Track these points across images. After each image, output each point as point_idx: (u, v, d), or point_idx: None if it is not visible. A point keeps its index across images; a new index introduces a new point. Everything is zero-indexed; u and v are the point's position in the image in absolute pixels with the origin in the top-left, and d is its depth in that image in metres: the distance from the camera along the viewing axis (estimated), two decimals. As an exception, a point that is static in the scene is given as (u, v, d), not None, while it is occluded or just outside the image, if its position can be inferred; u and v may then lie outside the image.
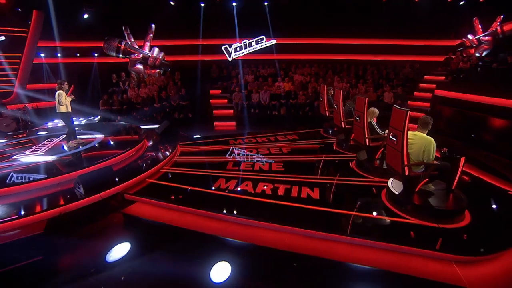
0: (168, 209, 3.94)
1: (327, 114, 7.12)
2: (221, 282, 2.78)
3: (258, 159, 5.48)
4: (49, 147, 5.65)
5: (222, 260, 3.03)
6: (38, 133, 7.15)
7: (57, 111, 5.34)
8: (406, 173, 3.24)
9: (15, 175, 4.15)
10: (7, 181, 4.00)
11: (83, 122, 9.44)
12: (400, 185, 3.58)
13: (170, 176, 4.88)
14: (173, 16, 11.40)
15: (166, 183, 4.58)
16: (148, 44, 11.37)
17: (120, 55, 10.85)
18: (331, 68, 11.71)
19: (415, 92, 10.22)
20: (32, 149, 5.53)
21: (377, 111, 4.58)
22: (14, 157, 5.05)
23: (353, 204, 3.70)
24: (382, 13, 10.73)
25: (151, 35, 11.30)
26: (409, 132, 3.26)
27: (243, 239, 3.27)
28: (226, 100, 10.84)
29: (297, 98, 10.24)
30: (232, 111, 10.43)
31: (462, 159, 3.26)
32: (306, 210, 3.61)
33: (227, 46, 11.65)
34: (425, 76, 10.75)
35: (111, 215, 3.94)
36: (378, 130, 4.41)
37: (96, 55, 11.77)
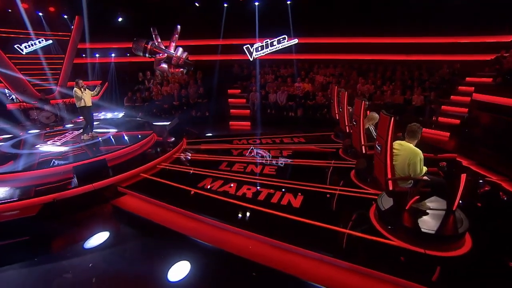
0: (152, 204, 4.06)
1: (337, 118, 6.70)
2: (176, 281, 2.78)
3: (254, 160, 5.37)
4: (67, 139, 6.26)
5: (185, 260, 3.03)
6: (66, 126, 7.96)
7: (76, 106, 5.89)
8: (391, 188, 2.86)
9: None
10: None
11: (107, 116, 10.27)
12: (390, 201, 3.19)
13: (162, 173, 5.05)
14: (197, 17, 11.78)
15: (158, 179, 4.74)
16: (173, 44, 11.90)
17: (147, 55, 11.54)
18: (356, 69, 11.01)
19: (452, 96, 9.09)
20: (53, 139, 6.18)
21: (377, 116, 4.14)
22: (37, 145, 5.69)
23: (334, 217, 3.40)
24: (417, 6, 9.71)
25: (176, 35, 11.80)
26: (396, 142, 2.88)
27: (210, 241, 3.22)
28: (244, 100, 10.89)
29: (316, 99, 9.85)
30: (248, 111, 10.45)
31: (463, 176, 2.76)
32: (281, 218, 3.42)
33: (248, 45, 11.67)
34: (467, 78, 9.49)
35: (102, 205, 4.20)
36: (376, 136, 3.98)
37: (128, 54, 12.69)
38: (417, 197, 2.90)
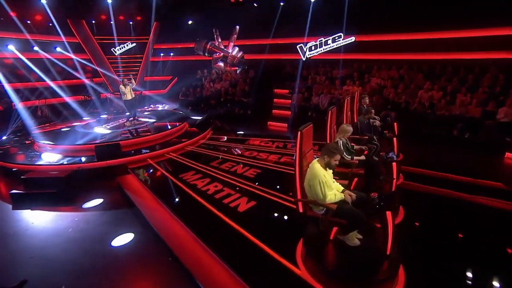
0: (140, 186, 4.93)
1: None
2: (118, 246, 3.47)
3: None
4: (115, 124, 8.04)
5: (131, 232, 3.71)
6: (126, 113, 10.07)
7: (122, 99, 7.52)
8: (301, 210, 2.65)
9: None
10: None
11: (159, 108, 12.13)
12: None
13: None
14: (254, 17, 12.39)
15: (158, 167, 5.63)
16: (232, 44, 13.08)
17: (206, 54, 13.11)
18: (425, 71, 9.32)
19: None
20: (106, 124, 8.08)
21: (349, 129, 3.67)
22: (94, 127, 7.60)
23: (266, 230, 3.35)
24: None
25: (235, 35, 12.93)
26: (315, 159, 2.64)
27: (156, 224, 3.74)
28: (290, 101, 10.90)
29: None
30: (290, 112, 10.45)
31: (388, 213, 2.29)
32: (214, 216, 3.69)
33: (302, 45, 11.56)
34: None
35: (112, 179, 5.35)
36: (344, 154, 3.54)
37: (171, 54, 14.57)
38: (336, 228, 2.59)
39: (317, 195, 2.46)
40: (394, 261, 2.51)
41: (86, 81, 11.51)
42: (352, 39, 10.51)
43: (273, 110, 10.95)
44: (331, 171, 2.68)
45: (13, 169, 5.60)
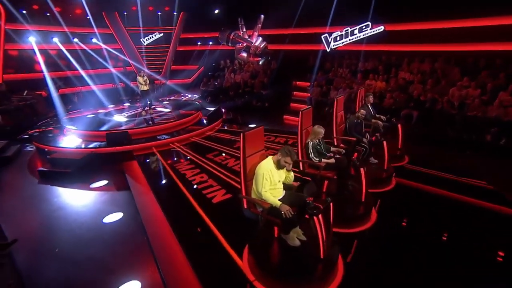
0: (139, 171, 5.61)
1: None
2: (108, 222, 4.15)
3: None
4: (132, 112, 8.95)
5: (121, 212, 4.36)
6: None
7: (139, 89, 8.33)
8: (245, 206, 2.92)
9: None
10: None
11: (177, 98, 12.96)
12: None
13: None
14: (279, 5, 12.35)
15: (159, 155, 6.28)
16: (256, 33, 13.22)
17: (229, 44, 13.47)
18: (463, 65, 8.49)
19: None
20: (124, 113, 9.05)
21: (321, 131, 3.72)
22: (115, 115, 8.59)
23: (229, 223, 3.70)
24: None
25: (259, 25, 13.00)
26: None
27: (141, 207, 4.33)
28: (309, 94, 10.87)
29: (383, 101, 8.60)
30: (307, 106, 10.42)
31: (315, 219, 2.45)
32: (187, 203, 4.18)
33: (327, 35, 11.28)
34: None
35: (119, 163, 6.14)
36: (311, 155, 3.64)
37: (210, 43, 15.10)
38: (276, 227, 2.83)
39: (257, 185, 2.73)
40: (329, 264, 2.68)
41: (114, 70, 12.78)
42: (381, 28, 9.96)
43: (291, 104, 11.02)
44: (282, 173, 2.89)
45: (45, 150, 6.73)
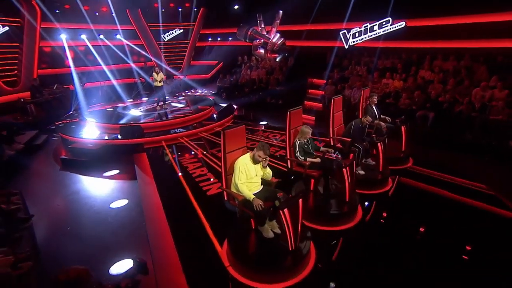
0: (147, 163, 6.16)
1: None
2: (114, 207, 4.71)
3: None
4: (147, 107, 9.62)
5: (127, 199, 4.90)
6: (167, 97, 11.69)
7: (153, 85, 8.95)
8: (226, 198, 3.25)
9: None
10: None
11: (191, 93, 13.51)
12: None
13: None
14: (298, 0, 12.41)
15: (166, 149, 6.80)
16: (274, 29, 13.42)
17: (247, 40, 13.79)
18: (492, 63, 8.08)
19: None
20: (140, 107, 9.74)
21: (308, 131, 3.91)
22: (132, 109, 9.30)
23: (214, 216, 4.06)
24: None
25: (277, 21, 13.18)
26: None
27: (143, 195, 4.84)
28: (323, 92, 10.92)
29: (399, 101, 8.47)
30: (321, 104, 10.49)
31: (281, 213, 2.70)
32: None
33: (345, 31, 11.20)
34: None
35: (130, 155, 6.75)
36: (297, 154, 3.85)
37: (230, 38, 15.45)
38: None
39: (234, 177, 3.06)
40: (298, 256, 2.93)
41: (134, 65, 13.65)
42: (402, 24, 9.70)
43: (305, 102, 11.11)
44: (259, 168, 3.18)
45: (68, 140, 7.54)
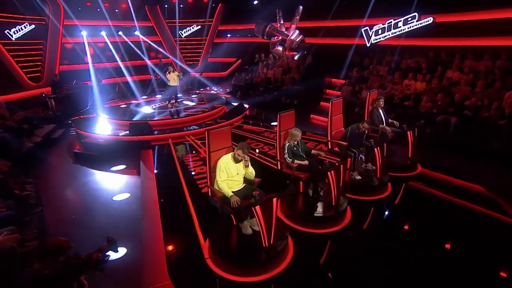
0: (151, 159, 6.80)
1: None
2: (117, 200, 5.35)
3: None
4: (159, 105, 10.38)
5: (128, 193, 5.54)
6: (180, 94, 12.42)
7: (167, 83, 9.69)
8: (210, 194, 3.68)
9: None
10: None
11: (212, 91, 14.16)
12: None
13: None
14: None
15: (172, 146, 7.42)
16: (293, 26, 13.71)
17: (265, 37, 14.21)
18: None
19: None
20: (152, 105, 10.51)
21: (297, 133, 4.21)
22: (143, 106, 10.11)
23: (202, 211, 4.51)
24: None
25: (297, 17, 13.47)
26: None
27: (143, 190, 5.43)
28: (340, 93, 11.06)
29: (420, 104, 8.42)
30: (337, 105, 10.64)
31: (254, 210, 3.07)
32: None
33: (367, 28, 11.24)
34: None
35: (138, 151, 7.44)
36: (286, 156, 4.18)
37: (249, 35, 15.89)
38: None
39: (216, 175, 3.50)
40: (273, 253, 3.30)
41: (149, 62, 14.62)
42: (429, 20, 9.57)
43: (321, 102, 11.29)
44: (241, 167, 3.58)
45: (82, 135, 8.42)
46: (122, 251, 3.99)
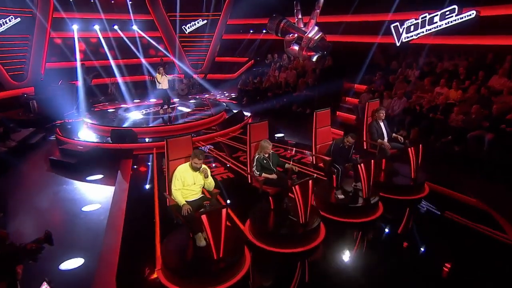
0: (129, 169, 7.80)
1: (365, 147, 6.77)
2: (85, 211, 6.34)
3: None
4: (151, 111, 11.54)
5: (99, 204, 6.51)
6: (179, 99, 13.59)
7: (156, 87, 10.84)
8: (168, 204, 4.52)
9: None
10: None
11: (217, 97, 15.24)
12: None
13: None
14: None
15: (155, 157, 8.39)
16: (313, 21, 14.48)
17: (279, 34, 15.11)
18: None
19: None
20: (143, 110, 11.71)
21: (267, 145, 4.89)
22: (133, 111, 11.32)
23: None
24: None
25: (317, 10, 14.24)
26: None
27: (114, 200, 6.38)
28: (357, 101, 11.47)
29: (449, 117, 8.78)
30: (355, 116, 11.13)
31: (202, 219, 3.81)
32: None
33: (397, 24, 11.72)
34: None
35: (118, 160, 8.47)
36: (254, 168, 4.91)
37: (264, 31, 16.89)
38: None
39: (171, 184, 4.29)
40: (225, 266, 4.00)
41: (144, 61, 16.03)
42: (472, 13, 9.87)
43: (337, 112, 11.79)
44: (199, 176, 4.37)
45: (61, 140, 9.65)
46: (79, 261, 4.89)
